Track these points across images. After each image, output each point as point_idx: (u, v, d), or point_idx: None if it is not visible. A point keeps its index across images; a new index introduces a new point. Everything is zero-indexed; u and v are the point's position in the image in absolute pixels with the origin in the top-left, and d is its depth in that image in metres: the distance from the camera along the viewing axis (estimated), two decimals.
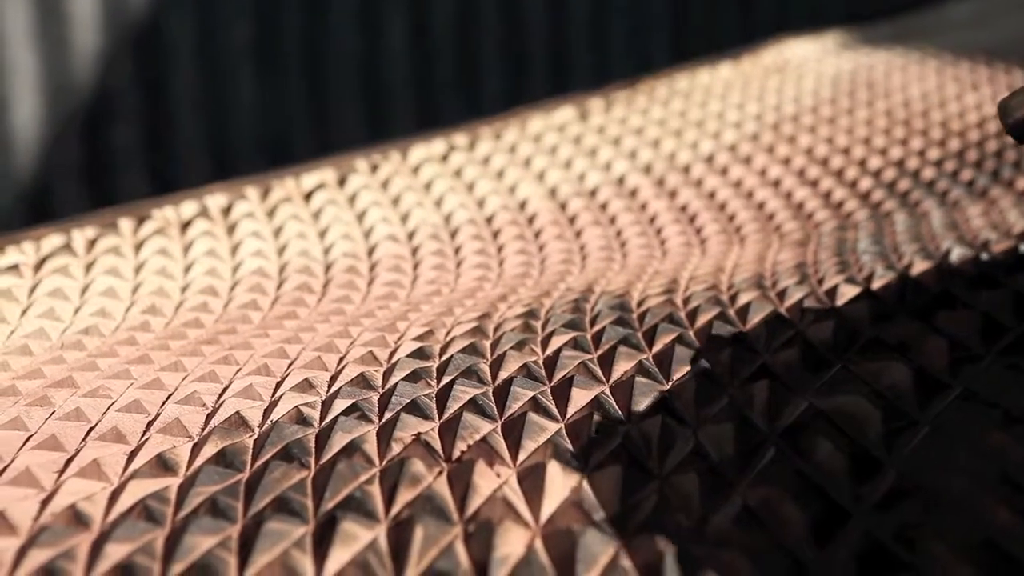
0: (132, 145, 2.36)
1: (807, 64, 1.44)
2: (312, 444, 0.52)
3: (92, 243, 0.82)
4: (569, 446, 0.51)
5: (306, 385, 0.58)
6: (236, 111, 2.46)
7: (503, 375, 0.58)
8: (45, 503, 0.47)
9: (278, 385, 0.58)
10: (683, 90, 1.30)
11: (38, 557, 0.43)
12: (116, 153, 2.35)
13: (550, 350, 0.61)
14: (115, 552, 0.44)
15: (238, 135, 2.47)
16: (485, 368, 0.59)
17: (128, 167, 2.36)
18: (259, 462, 0.50)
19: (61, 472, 0.50)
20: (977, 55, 1.43)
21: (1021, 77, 1.31)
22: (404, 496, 0.47)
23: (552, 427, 0.53)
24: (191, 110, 2.41)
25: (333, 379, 0.59)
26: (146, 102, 2.37)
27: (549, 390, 0.57)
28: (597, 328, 0.64)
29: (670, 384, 0.56)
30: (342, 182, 0.98)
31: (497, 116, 1.22)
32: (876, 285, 0.67)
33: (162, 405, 0.56)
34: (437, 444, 0.51)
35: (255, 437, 0.53)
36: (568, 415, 0.54)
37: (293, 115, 2.53)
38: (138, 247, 0.83)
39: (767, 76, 1.37)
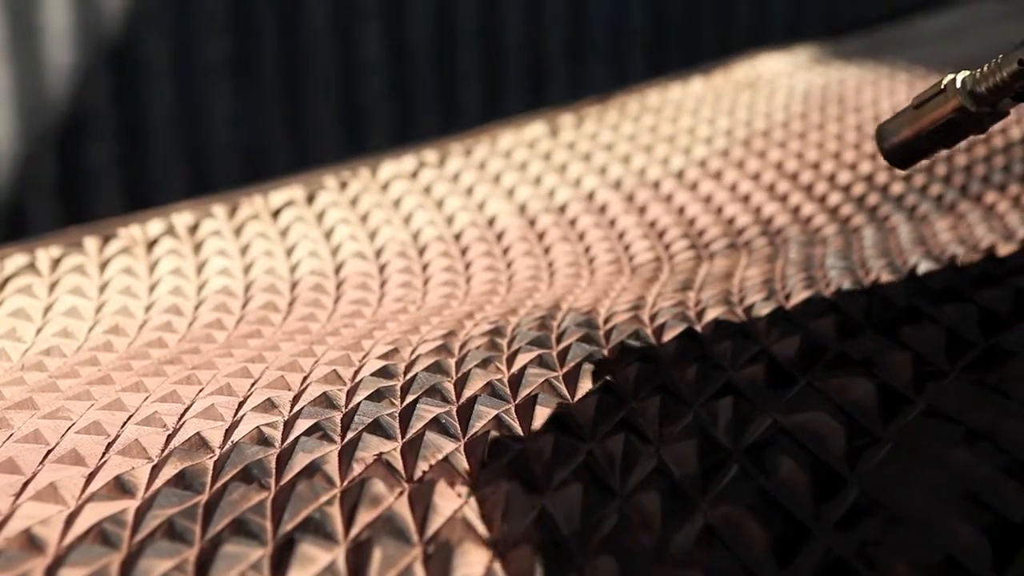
0: (107, 162, 2.35)
1: (779, 79, 1.45)
2: (273, 465, 0.51)
3: (56, 262, 0.82)
4: (532, 465, 0.51)
5: (268, 405, 0.57)
6: (212, 127, 2.45)
7: (467, 393, 0.58)
8: (0, 527, 0.46)
9: (240, 405, 0.58)
10: (654, 105, 1.30)
11: None
12: (91, 170, 2.34)
13: (515, 368, 0.61)
14: None
15: (214, 151, 2.46)
16: (449, 386, 0.59)
17: (103, 184, 2.35)
18: (219, 484, 0.50)
19: (17, 495, 0.49)
20: (948, 69, 1.43)
21: None
22: (364, 517, 0.47)
23: (515, 446, 0.52)
24: (167, 126, 2.40)
25: (296, 399, 0.58)
26: (121, 118, 2.36)
27: (513, 408, 0.56)
28: (563, 345, 0.64)
29: (635, 402, 0.56)
30: (311, 199, 0.97)
31: (471, 131, 1.22)
32: (842, 300, 0.67)
33: (122, 426, 0.56)
34: (399, 464, 0.51)
35: (215, 458, 0.52)
36: (532, 433, 0.54)
37: (269, 130, 2.52)
38: (103, 266, 0.82)
39: (739, 91, 1.38)
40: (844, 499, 0.47)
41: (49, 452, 0.53)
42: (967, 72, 0.58)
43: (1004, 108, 0.58)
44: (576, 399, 0.57)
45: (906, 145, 0.60)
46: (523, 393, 0.58)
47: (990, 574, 0.42)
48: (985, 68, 0.57)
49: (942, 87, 0.59)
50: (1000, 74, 0.57)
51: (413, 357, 0.63)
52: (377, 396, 0.58)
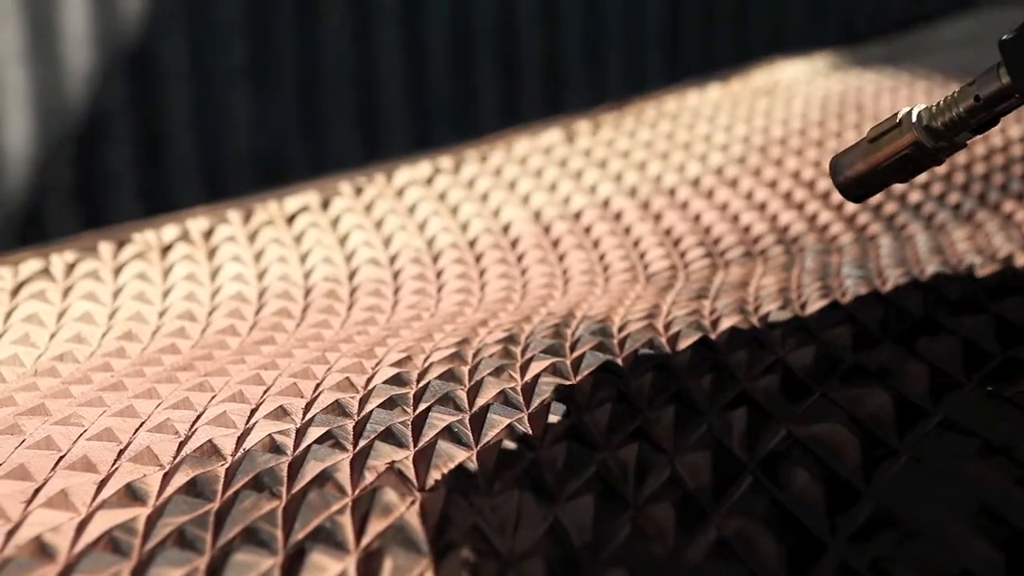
0: (125, 165, 2.36)
1: (797, 86, 1.44)
2: (284, 473, 0.51)
3: (71, 267, 0.82)
4: (545, 474, 0.50)
5: (281, 412, 0.57)
6: (230, 131, 2.46)
7: (480, 402, 0.58)
8: (11, 534, 0.46)
9: (253, 412, 0.58)
10: (671, 112, 1.30)
11: None
12: (109, 173, 2.34)
13: (528, 376, 0.61)
14: None
15: (232, 155, 2.46)
16: (462, 395, 0.59)
17: (121, 188, 2.36)
18: (230, 491, 0.50)
19: (29, 502, 0.49)
20: (968, 76, 1.42)
21: None
22: (375, 526, 0.46)
23: (528, 455, 0.52)
24: (184, 131, 2.41)
25: (308, 406, 0.58)
26: (139, 122, 2.36)
27: (526, 417, 0.56)
28: (577, 354, 0.63)
29: (649, 412, 0.56)
30: (326, 205, 0.97)
31: (488, 136, 1.22)
32: (858, 310, 0.66)
33: (134, 433, 0.55)
34: (411, 473, 0.51)
35: (227, 466, 0.52)
36: (545, 442, 0.53)
37: (287, 134, 2.53)
38: (117, 271, 0.82)
39: (756, 98, 1.37)
40: (859, 512, 0.46)
41: (61, 459, 0.53)
42: (923, 106, 0.57)
43: (961, 140, 0.57)
44: (589, 408, 0.57)
45: (860, 179, 0.59)
46: (536, 402, 0.58)
47: None
48: (941, 103, 0.56)
49: (897, 121, 0.57)
50: (956, 109, 0.56)
51: (426, 365, 0.63)
52: (390, 404, 0.58)
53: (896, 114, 0.58)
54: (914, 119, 0.57)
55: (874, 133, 0.58)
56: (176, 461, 0.52)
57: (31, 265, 0.81)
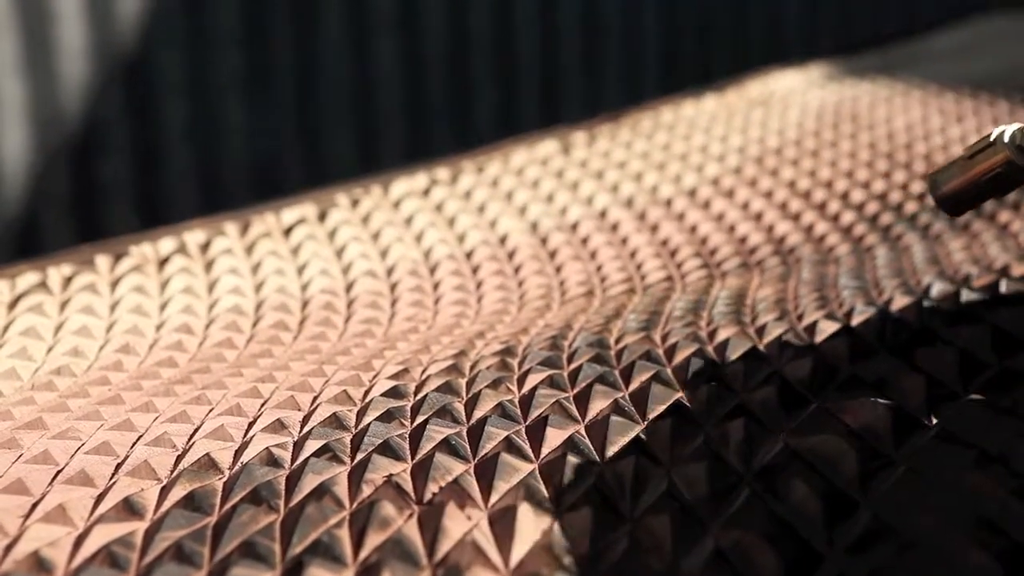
0: (121, 176, 2.36)
1: (792, 96, 1.44)
2: (282, 486, 0.51)
3: (68, 280, 0.82)
4: (542, 487, 0.50)
5: (278, 425, 0.57)
6: (226, 141, 2.46)
7: (478, 414, 0.58)
8: (8, 549, 0.46)
9: (250, 425, 0.58)
10: (667, 123, 1.30)
11: None
12: (105, 184, 2.34)
13: (526, 388, 0.61)
14: None
15: (228, 165, 2.47)
16: (460, 407, 0.59)
17: (117, 198, 2.36)
18: (227, 505, 0.50)
19: (26, 517, 0.49)
20: (962, 86, 1.43)
21: (1006, 109, 1.31)
22: (373, 540, 0.46)
23: (525, 468, 0.52)
24: (181, 141, 2.41)
25: (306, 419, 0.58)
26: (136, 133, 2.37)
27: (524, 429, 0.56)
28: (574, 366, 0.63)
29: (646, 423, 0.56)
30: (322, 217, 0.97)
31: (485, 147, 1.22)
32: (855, 321, 0.67)
33: (131, 447, 0.55)
34: (408, 486, 0.51)
35: (224, 479, 0.52)
36: (542, 455, 0.53)
37: (284, 144, 2.53)
38: (114, 284, 0.82)
39: (751, 108, 1.38)
40: (856, 523, 0.46)
41: (58, 473, 0.53)
42: (1017, 126, 0.59)
43: None
44: (586, 420, 0.57)
45: (956, 195, 0.61)
46: (534, 414, 0.58)
47: None
48: None
49: (991, 140, 0.59)
50: None
51: (423, 377, 0.63)
52: (387, 417, 0.58)
53: (990, 133, 0.59)
54: (1006, 139, 0.58)
55: (970, 151, 0.60)
56: (174, 475, 0.52)
57: (28, 278, 0.81)
